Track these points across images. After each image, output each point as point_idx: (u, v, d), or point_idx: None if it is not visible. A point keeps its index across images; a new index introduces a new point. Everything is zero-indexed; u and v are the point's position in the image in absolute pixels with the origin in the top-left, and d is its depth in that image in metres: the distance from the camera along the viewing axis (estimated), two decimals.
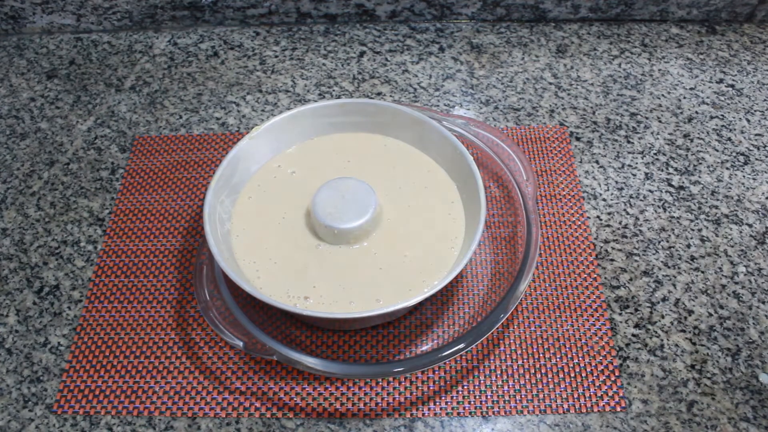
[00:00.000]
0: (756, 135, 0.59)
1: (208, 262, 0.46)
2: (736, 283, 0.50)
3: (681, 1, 0.67)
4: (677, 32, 0.68)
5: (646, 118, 0.61)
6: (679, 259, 0.51)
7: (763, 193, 0.55)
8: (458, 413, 0.44)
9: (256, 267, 0.46)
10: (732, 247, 0.52)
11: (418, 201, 0.49)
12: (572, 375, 0.46)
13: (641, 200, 0.55)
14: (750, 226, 0.53)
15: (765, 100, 0.62)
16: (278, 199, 0.49)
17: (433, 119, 0.50)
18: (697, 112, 0.61)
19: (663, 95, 0.63)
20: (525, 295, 0.50)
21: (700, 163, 0.57)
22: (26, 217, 0.57)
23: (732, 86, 0.63)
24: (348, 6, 0.69)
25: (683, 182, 0.56)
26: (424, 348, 0.47)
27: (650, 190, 0.56)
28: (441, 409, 0.45)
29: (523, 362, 0.46)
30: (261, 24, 0.72)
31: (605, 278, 0.50)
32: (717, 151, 0.58)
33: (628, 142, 0.59)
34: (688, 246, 0.52)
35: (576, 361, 0.46)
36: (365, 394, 0.45)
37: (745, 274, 0.50)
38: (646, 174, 0.57)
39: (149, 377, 0.47)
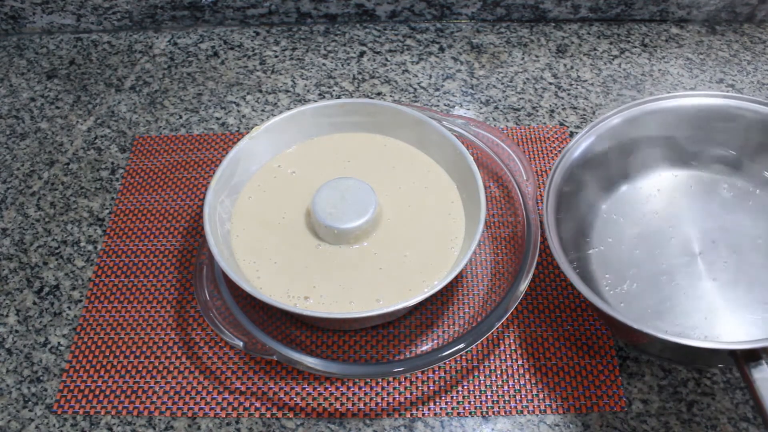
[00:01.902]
0: None
1: (208, 262, 0.46)
2: None
3: (681, 1, 0.67)
4: (677, 32, 0.68)
5: None
6: None
7: None
8: (458, 413, 0.44)
9: (256, 267, 0.46)
10: None
11: (418, 201, 0.49)
12: (572, 375, 0.46)
13: None
14: None
15: None
16: (278, 199, 0.49)
17: (433, 119, 0.50)
18: None
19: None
20: (525, 295, 0.50)
21: None
22: (26, 217, 0.57)
23: (732, 86, 0.63)
24: (348, 6, 0.69)
25: None
26: (424, 348, 0.47)
27: None
28: (441, 409, 0.45)
29: (523, 362, 0.46)
30: (261, 24, 0.72)
31: None
32: None
33: None
34: None
35: (576, 361, 0.46)
36: (365, 394, 0.45)
37: None
38: None
39: (149, 377, 0.47)
